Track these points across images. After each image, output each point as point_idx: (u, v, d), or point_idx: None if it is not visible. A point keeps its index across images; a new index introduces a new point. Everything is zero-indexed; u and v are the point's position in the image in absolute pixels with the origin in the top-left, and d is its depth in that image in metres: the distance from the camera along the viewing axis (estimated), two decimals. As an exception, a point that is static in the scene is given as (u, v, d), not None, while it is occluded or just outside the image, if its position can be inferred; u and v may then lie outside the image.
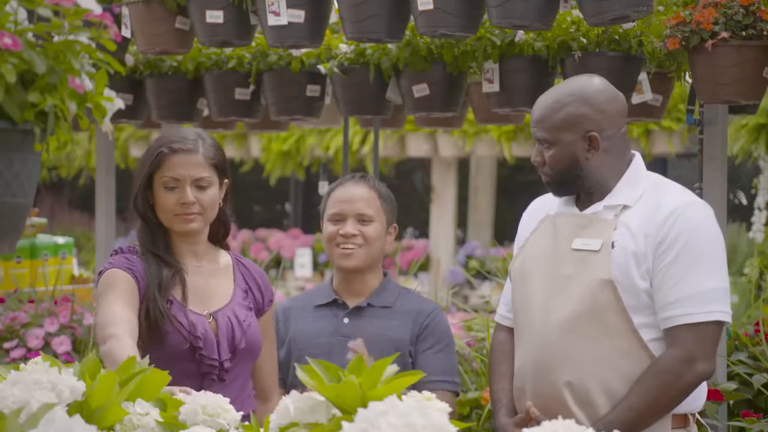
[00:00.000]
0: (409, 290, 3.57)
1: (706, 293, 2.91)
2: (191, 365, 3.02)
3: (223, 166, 3.14)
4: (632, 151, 3.08)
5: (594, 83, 3.03)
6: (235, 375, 3.10)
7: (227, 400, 2.28)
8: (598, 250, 2.95)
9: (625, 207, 2.99)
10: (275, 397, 3.23)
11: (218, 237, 3.22)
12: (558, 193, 3.10)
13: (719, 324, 2.93)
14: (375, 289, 3.44)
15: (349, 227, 3.38)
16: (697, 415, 3.07)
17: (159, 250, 3.09)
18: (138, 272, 3.05)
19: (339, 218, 3.40)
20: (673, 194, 3.00)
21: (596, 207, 3.02)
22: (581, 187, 3.04)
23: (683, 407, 2.97)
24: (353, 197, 3.41)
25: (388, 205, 3.45)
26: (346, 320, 3.39)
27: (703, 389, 3.02)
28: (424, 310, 3.45)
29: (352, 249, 3.37)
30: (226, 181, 3.16)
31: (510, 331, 3.18)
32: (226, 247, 3.25)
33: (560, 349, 2.96)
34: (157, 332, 2.99)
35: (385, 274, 3.50)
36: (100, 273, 3.09)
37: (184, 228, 3.09)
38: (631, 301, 2.92)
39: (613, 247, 2.93)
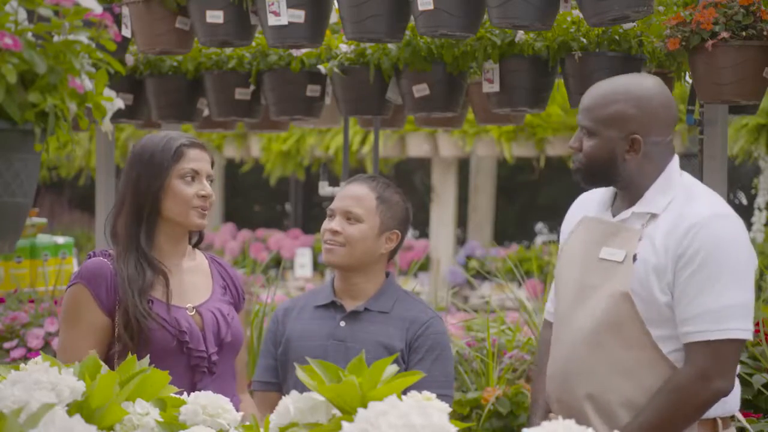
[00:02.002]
0: (410, 294, 3.50)
1: (723, 310, 2.82)
2: (181, 359, 3.01)
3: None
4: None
5: (651, 86, 2.94)
6: (223, 369, 3.10)
7: (227, 399, 2.28)
8: (621, 262, 2.90)
9: (652, 216, 2.92)
10: (246, 396, 3.26)
11: (193, 241, 3.22)
12: (584, 181, 3.02)
13: (737, 342, 2.85)
14: (374, 293, 3.39)
15: (334, 224, 3.35)
16: (738, 415, 3.01)
17: (140, 251, 3.04)
18: (104, 289, 3.02)
19: (331, 213, 3.38)
20: (700, 205, 2.90)
21: (625, 214, 2.96)
22: (613, 183, 2.99)
23: (711, 412, 2.90)
24: (346, 195, 3.37)
25: (387, 207, 3.37)
26: (342, 324, 3.36)
27: (736, 392, 2.95)
28: (419, 319, 3.36)
29: (332, 246, 3.34)
30: None
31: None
32: (196, 243, 3.25)
33: (582, 361, 2.94)
34: (141, 333, 2.99)
35: (387, 275, 3.45)
36: (70, 284, 3.07)
37: (198, 222, 3.09)
38: (650, 314, 2.86)
39: (635, 260, 2.88)
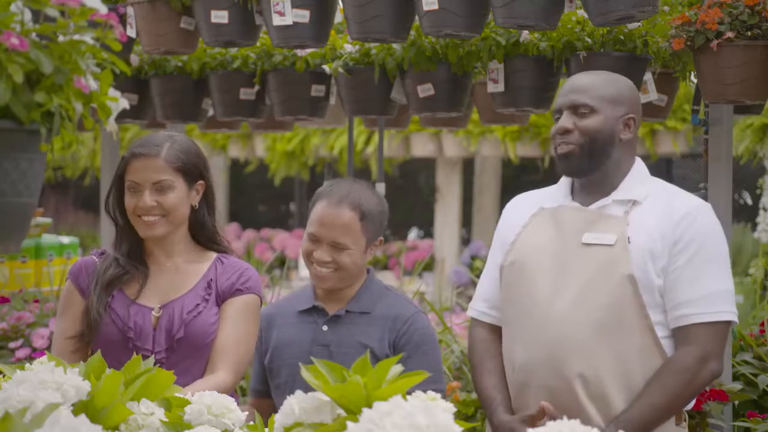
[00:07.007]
0: (391, 290, 3.44)
1: (719, 294, 2.97)
2: (127, 355, 2.96)
3: (192, 169, 3.13)
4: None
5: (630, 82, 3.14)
6: (181, 368, 2.96)
7: (232, 399, 2.28)
8: (612, 245, 2.94)
9: (634, 203, 3.00)
10: (219, 373, 3.07)
11: (199, 239, 3.20)
12: (577, 164, 3.02)
13: (729, 324, 3.00)
14: (355, 294, 3.36)
15: (323, 254, 3.27)
16: (685, 413, 3.09)
17: (120, 251, 3.17)
18: (85, 281, 3.17)
19: (315, 239, 3.29)
20: (682, 198, 3.05)
21: (604, 201, 3.02)
22: (600, 169, 3.02)
23: None
24: (332, 222, 3.26)
25: (370, 222, 3.30)
26: (324, 328, 3.33)
27: None
28: (402, 316, 3.32)
29: (324, 273, 3.29)
30: (201, 182, 3.15)
31: (492, 328, 3.16)
32: (219, 250, 3.21)
33: (575, 343, 2.94)
34: (94, 324, 3.10)
35: (368, 271, 3.40)
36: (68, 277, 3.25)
37: (147, 233, 3.12)
38: (647, 298, 2.94)
39: (629, 242, 2.94)
